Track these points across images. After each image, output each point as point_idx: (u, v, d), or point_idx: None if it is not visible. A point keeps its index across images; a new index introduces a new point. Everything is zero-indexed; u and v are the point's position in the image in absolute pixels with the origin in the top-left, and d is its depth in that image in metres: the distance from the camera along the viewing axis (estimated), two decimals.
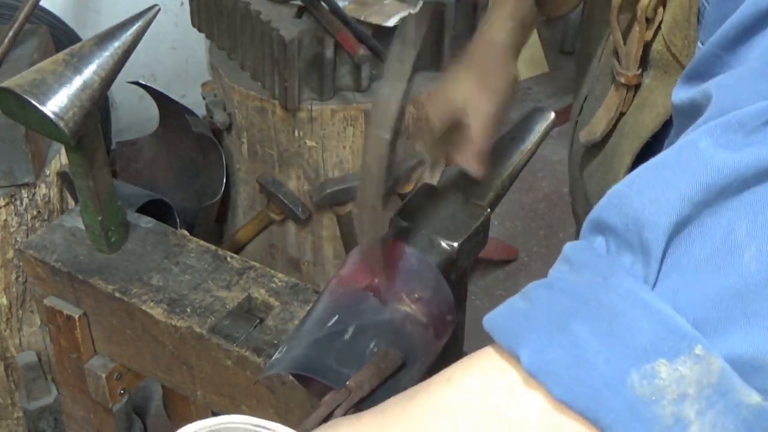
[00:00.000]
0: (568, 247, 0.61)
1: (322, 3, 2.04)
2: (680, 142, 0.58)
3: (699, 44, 0.79)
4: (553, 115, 1.13)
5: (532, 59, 3.73)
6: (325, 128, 2.08)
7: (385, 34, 2.07)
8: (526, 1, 1.09)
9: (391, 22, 2.04)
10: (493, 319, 0.61)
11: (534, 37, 3.66)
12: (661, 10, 0.85)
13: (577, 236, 1.20)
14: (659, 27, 0.86)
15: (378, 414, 0.64)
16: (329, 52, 2.01)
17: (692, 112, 0.62)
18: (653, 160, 0.58)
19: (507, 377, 0.58)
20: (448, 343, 0.94)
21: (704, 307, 0.53)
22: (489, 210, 0.95)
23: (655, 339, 0.53)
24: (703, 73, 0.64)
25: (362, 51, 2.00)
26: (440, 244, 0.89)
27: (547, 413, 0.56)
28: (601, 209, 0.59)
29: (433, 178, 2.32)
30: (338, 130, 2.09)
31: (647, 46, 0.88)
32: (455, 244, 0.88)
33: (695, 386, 0.52)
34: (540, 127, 1.11)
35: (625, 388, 0.53)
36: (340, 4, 2.08)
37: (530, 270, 2.84)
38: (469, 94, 1.04)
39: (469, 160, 1.02)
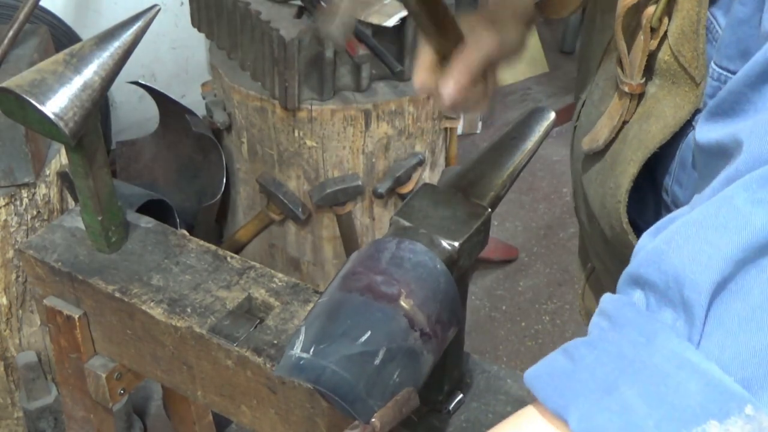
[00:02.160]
0: (607, 302, 0.61)
1: (322, 3, 2.04)
2: (717, 197, 0.58)
3: (713, 64, 0.79)
4: (553, 115, 1.12)
5: (532, 59, 3.73)
6: (325, 128, 2.08)
7: (385, 34, 2.08)
8: None
9: (391, 22, 2.04)
10: (536, 377, 0.61)
11: (534, 37, 3.66)
12: (666, 19, 0.85)
13: (578, 237, 1.19)
14: (665, 37, 0.86)
15: None
16: (329, 52, 2.01)
17: (720, 154, 0.62)
18: (690, 217, 0.59)
19: None
20: (449, 344, 0.94)
21: (751, 364, 0.53)
22: (489, 210, 0.95)
23: (704, 400, 0.53)
24: (728, 110, 0.64)
25: (362, 51, 2.00)
26: (441, 243, 0.88)
27: None
28: (638, 265, 0.59)
29: (433, 178, 2.32)
30: (338, 130, 2.09)
31: (651, 56, 0.88)
32: (456, 244, 0.88)
33: None
34: (540, 127, 1.11)
35: None
36: None
37: (530, 270, 2.84)
38: (476, 24, 1.02)
39: (447, 82, 0.99)
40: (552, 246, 2.92)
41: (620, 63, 0.91)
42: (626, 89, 0.90)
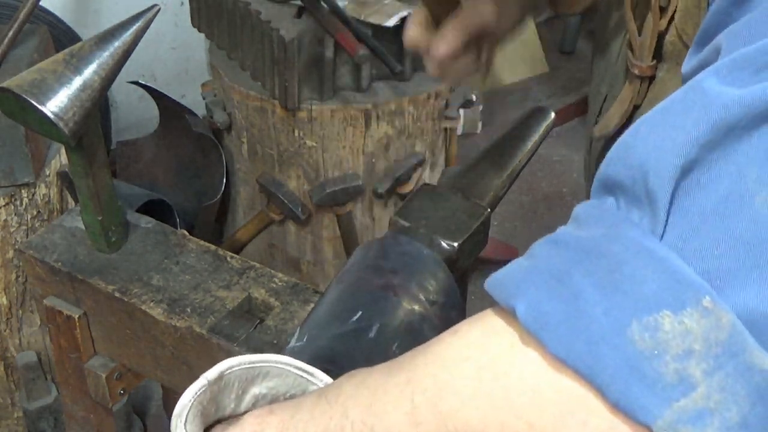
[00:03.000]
0: (578, 208, 0.57)
1: (322, 3, 2.04)
2: (685, 86, 0.53)
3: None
4: (553, 115, 1.13)
5: (532, 59, 3.73)
6: (325, 128, 2.08)
7: (385, 34, 2.07)
8: None
9: (391, 22, 2.04)
10: (493, 278, 0.58)
11: (534, 37, 3.66)
12: None
13: None
14: (673, 17, 0.85)
15: (391, 364, 0.64)
16: (329, 52, 2.01)
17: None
18: (658, 106, 0.54)
19: (507, 333, 0.55)
20: None
21: (713, 256, 0.49)
22: (489, 210, 0.95)
23: (659, 289, 0.49)
24: (712, 34, 0.59)
25: (362, 51, 2.00)
26: (440, 243, 0.89)
27: (543, 371, 0.52)
28: (607, 164, 0.55)
29: (433, 178, 2.32)
30: (338, 130, 2.09)
31: (661, 37, 0.87)
32: (455, 244, 0.88)
33: (702, 342, 0.48)
34: (540, 127, 1.11)
35: (624, 341, 0.49)
36: (340, 3, 2.08)
37: None
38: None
39: (438, 41, 0.98)
40: None
41: (630, 46, 0.91)
42: (636, 72, 0.89)
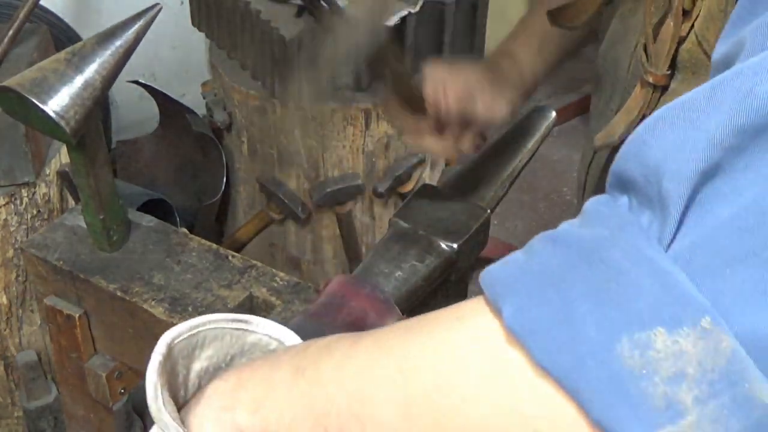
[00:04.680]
0: (590, 202, 0.53)
1: (322, 2, 2.04)
2: (711, 82, 0.49)
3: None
4: (553, 114, 1.12)
5: None
6: (325, 128, 2.08)
7: None
8: (552, 43, 1.07)
9: (391, 22, 2.04)
10: (487, 272, 0.54)
11: None
12: (700, 2, 0.77)
13: None
14: (693, 24, 0.79)
15: (377, 342, 0.59)
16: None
17: (727, 66, 0.52)
18: (678, 100, 0.50)
19: (490, 335, 0.52)
20: None
21: (724, 275, 0.44)
22: (489, 211, 0.95)
23: (655, 304, 0.45)
24: (742, 17, 0.54)
25: None
26: (440, 245, 0.89)
27: (528, 377, 0.48)
28: (620, 160, 0.51)
29: (433, 178, 2.32)
30: (338, 130, 2.09)
31: (678, 46, 0.81)
32: (455, 246, 0.88)
33: (696, 366, 0.43)
34: (541, 127, 1.11)
35: (611, 356, 0.45)
36: (340, 3, 2.08)
37: None
38: (483, 89, 1.02)
39: (471, 145, 1.00)
40: None
41: (645, 50, 0.85)
42: (650, 79, 0.84)
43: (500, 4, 2.59)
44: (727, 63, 0.52)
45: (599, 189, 1.04)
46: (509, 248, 2.87)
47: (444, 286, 0.90)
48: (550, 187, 3.22)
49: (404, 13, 2.04)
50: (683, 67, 0.83)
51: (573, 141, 3.40)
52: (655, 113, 0.50)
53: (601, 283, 0.47)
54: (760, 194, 0.44)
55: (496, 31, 1.78)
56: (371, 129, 2.10)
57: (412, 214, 0.93)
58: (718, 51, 0.55)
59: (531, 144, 1.11)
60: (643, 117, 0.88)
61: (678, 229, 0.47)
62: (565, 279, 0.48)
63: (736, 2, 0.69)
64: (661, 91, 0.86)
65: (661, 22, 0.82)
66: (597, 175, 1.05)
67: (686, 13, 0.79)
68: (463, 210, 0.95)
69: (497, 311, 0.51)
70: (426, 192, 0.99)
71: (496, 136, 1.14)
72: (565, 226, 0.53)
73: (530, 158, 1.13)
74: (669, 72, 0.84)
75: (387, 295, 0.83)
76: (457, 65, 1.04)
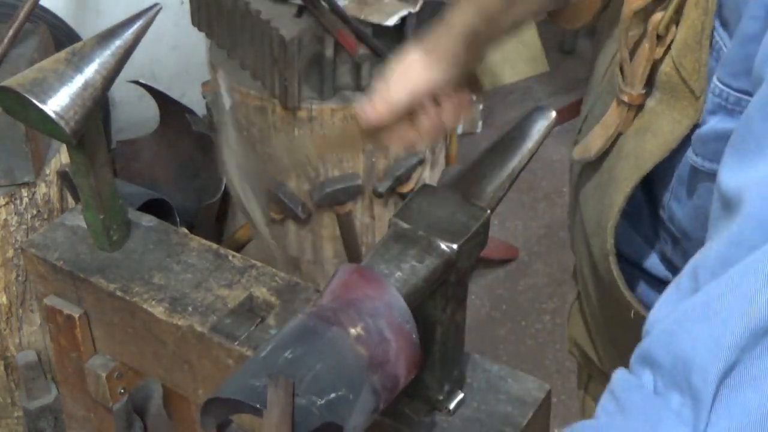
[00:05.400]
0: (616, 381, 0.61)
1: (322, 2, 2.04)
2: (724, 278, 0.57)
3: (715, 80, 0.76)
4: (554, 114, 1.12)
5: (532, 59, 3.73)
6: (325, 127, 2.08)
7: (385, 33, 2.07)
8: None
9: (391, 21, 2.04)
10: None
11: (534, 36, 3.66)
12: (674, 28, 0.81)
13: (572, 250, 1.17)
14: (668, 48, 0.82)
15: None
16: (329, 52, 2.01)
17: (727, 204, 0.62)
18: (699, 297, 0.58)
19: None
20: (449, 344, 0.95)
21: None
22: (489, 211, 0.94)
23: None
24: (740, 144, 0.62)
25: (362, 50, 2.00)
26: (439, 246, 0.88)
27: None
28: (650, 344, 0.59)
29: (433, 178, 2.32)
30: (338, 130, 2.09)
31: (654, 66, 0.84)
32: (455, 246, 0.88)
33: None
34: (541, 127, 1.11)
35: None
36: (340, 3, 2.08)
37: (530, 270, 2.84)
38: (412, 62, 1.00)
39: (374, 101, 0.98)
40: (552, 245, 2.92)
41: (621, 70, 0.87)
42: (625, 99, 0.86)
43: None
44: (726, 202, 0.60)
45: (576, 199, 1.07)
46: (509, 248, 2.87)
47: (444, 287, 0.90)
48: (550, 187, 3.22)
49: (404, 13, 2.04)
50: (662, 89, 0.85)
51: (573, 141, 3.40)
52: (682, 307, 0.59)
53: None
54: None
55: None
56: None
57: (411, 215, 0.93)
58: (727, 184, 0.62)
59: (531, 144, 1.11)
60: (619, 135, 0.89)
61: (709, 419, 0.54)
62: None
63: (710, 36, 0.72)
64: (636, 110, 0.87)
65: (637, 44, 0.83)
66: (574, 183, 1.06)
67: (660, 38, 0.82)
68: (464, 210, 0.94)
69: None
70: (426, 192, 0.98)
71: (496, 136, 1.14)
72: (603, 415, 0.60)
73: (530, 158, 1.12)
74: (644, 91, 0.86)
75: (401, 301, 0.82)
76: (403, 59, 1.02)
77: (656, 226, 0.97)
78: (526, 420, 0.96)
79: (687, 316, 0.58)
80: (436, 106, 1.03)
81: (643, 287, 1.01)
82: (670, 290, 0.64)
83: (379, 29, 2.06)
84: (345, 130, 0.99)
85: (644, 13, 0.83)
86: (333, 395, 0.74)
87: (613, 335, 1.10)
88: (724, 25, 0.76)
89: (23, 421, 2.06)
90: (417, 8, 2.06)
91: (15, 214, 1.82)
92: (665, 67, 0.83)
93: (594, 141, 0.93)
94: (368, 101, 0.99)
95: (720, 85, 0.76)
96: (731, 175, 0.63)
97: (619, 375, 0.62)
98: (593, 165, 0.97)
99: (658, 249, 0.99)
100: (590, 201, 1.01)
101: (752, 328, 0.53)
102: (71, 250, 1.19)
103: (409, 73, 0.99)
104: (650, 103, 0.87)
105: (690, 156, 0.82)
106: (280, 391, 0.70)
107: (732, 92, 0.75)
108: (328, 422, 0.72)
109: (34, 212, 1.86)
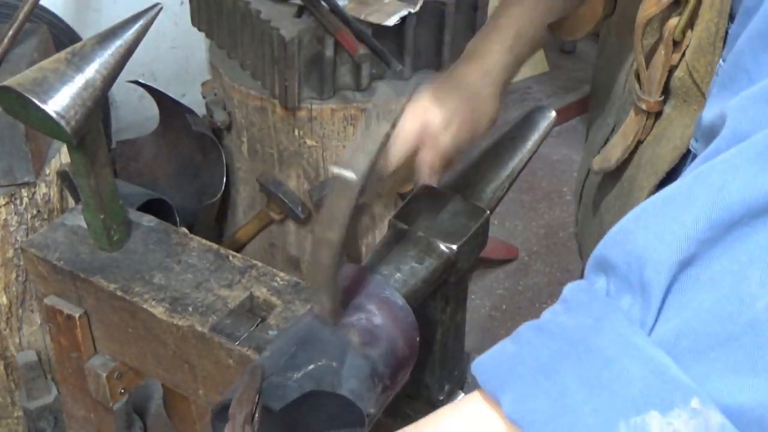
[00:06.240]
0: (568, 287, 0.58)
1: (322, 2, 2.04)
2: (692, 173, 0.54)
3: (720, 61, 0.75)
4: (553, 114, 1.12)
5: (532, 59, 3.73)
6: (325, 127, 2.08)
7: (385, 33, 2.08)
8: (525, 37, 1.05)
9: (391, 21, 2.04)
10: (480, 363, 0.58)
11: None
12: (689, 32, 0.80)
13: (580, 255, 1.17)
14: (684, 52, 0.81)
15: None
16: (329, 52, 2.01)
17: (712, 136, 0.58)
18: (662, 193, 0.55)
19: (490, 424, 0.56)
20: (449, 344, 0.95)
21: (708, 359, 0.49)
22: (488, 211, 0.94)
23: (647, 389, 0.49)
24: (726, 82, 0.59)
25: (362, 50, 2.00)
26: (439, 246, 0.88)
27: None
28: (605, 246, 0.56)
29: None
30: (338, 130, 2.09)
31: (670, 73, 0.83)
32: (454, 247, 0.88)
33: None
34: (541, 127, 1.11)
35: None
36: (340, 3, 2.08)
37: (530, 270, 2.84)
38: (451, 121, 1.02)
39: (428, 174, 1.00)
40: (552, 245, 2.92)
41: (638, 78, 0.86)
42: (643, 106, 0.85)
43: None
44: (711, 134, 0.57)
45: (595, 209, 1.05)
46: (509, 248, 2.87)
47: (444, 287, 0.90)
48: (550, 187, 3.22)
49: (404, 13, 2.04)
50: (675, 95, 0.84)
51: (573, 141, 3.40)
52: (641, 205, 0.55)
53: (592, 372, 0.51)
54: (736, 283, 0.49)
55: None
56: (371, 129, 2.10)
57: (410, 215, 0.93)
58: (706, 116, 0.60)
59: (531, 144, 1.11)
60: (639, 142, 0.89)
61: (659, 314, 0.51)
62: (557, 370, 0.52)
63: (725, 37, 0.71)
64: (654, 117, 0.87)
65: (653, 51, 0.83)
66: (592, 194, 1.05)
67: (677, 44, 0.81)
68: (463, 210, 0.94)
69: (495, 402, 0.55)
70: (425, 192, 0.98)
71: (496, 136, 1.14)
72: (548, 315, 0.57)
73: (530, 158, 1.12)
74: (662, 98, 0.85)
75: (402, 300, 0.82)
76: (432, 104, 1.03)
77: None
78: None
79: (646, 210, 0.54)
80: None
81: None
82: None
83: (379, 29, 2.06)
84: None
85: (659, 20, 0.82)
86: (311, 366, 0.74)
87: None
88: (734, 20, 0.75)
89: (23, 421, 2.06)
90: (417, 8, 2.06)
91: (15, 214, 1.82)
92: (679, 72, 0.83)
93: (614, 150, 0.92)
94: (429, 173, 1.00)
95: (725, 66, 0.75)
96: (715, 107, 0.60)
97: (570, 284, 0.59)
98: (613, 175, 0.96)
99: None
100: (611, 211, 0.99)
101: (715, 219, 0.50)
102: (71, 250, 1.19)
103: (453, 139, 1.02)
104: (666, 109, 0.86)
105: (692, 144, 0.81)
106: (246, 377, 0.71)
107: None
108: (317, 391, 0.72)
109: (34, 212, 1.86)
